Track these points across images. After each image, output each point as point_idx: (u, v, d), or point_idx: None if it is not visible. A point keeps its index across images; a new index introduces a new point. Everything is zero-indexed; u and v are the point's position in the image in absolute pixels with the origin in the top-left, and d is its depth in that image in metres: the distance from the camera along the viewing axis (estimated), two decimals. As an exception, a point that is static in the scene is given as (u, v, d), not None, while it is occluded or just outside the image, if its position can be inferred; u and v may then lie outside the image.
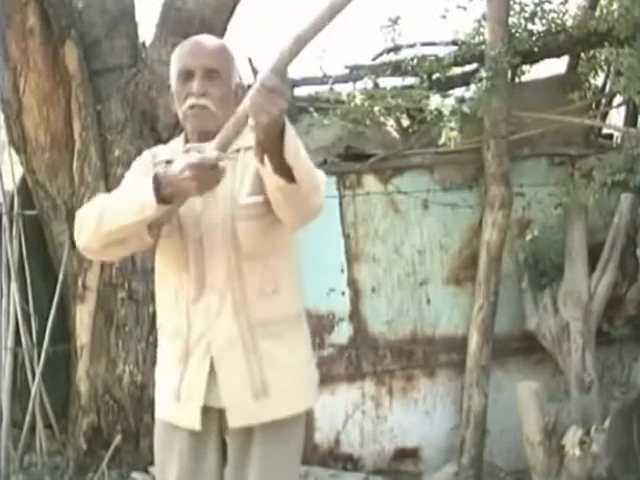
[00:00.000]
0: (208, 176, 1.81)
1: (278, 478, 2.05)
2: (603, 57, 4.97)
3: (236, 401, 1.98)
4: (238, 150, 2.04)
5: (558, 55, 4.97)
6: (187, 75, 2.03)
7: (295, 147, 1.76)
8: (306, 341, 2.17)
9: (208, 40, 2.12)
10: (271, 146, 1.73)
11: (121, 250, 2.05)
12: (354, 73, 4.76)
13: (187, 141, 2.13)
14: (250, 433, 2.02)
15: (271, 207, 1.94)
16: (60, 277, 4.11)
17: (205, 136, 2.03)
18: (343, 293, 4.33)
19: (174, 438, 2.07)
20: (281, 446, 2.05)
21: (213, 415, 2.02)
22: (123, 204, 1.92)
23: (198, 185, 1.81)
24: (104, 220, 1.93)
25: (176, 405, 2.04)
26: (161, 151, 2.19)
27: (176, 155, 2.08)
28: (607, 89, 5.02)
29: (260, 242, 2.01)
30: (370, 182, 4.42)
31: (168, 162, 2.08)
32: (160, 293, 2.14)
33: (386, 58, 4.87)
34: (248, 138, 2.04)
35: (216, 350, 2.00)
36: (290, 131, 1.73)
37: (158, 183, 1.84)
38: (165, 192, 1.83)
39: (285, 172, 1.77)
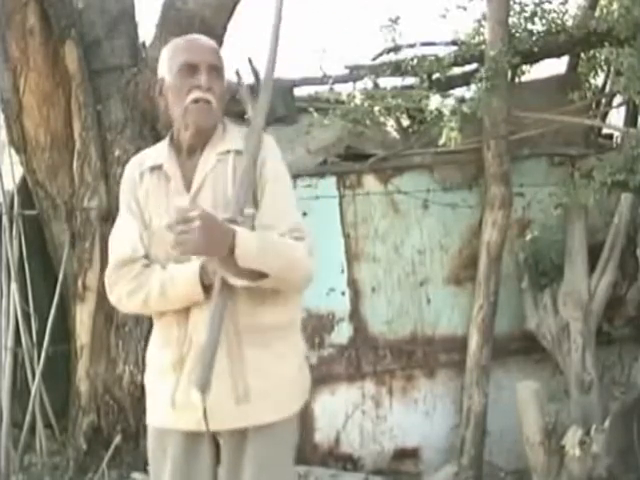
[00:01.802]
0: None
1: (272, 478, 2.05)
2: (603, 57, 4.98)
3: (217, 405, 1.96)
4: (228, 151, 2.06)
5: (558, 55, 4.97)
6: (190, 69, 2.03)
7: (251, 250, 1.89)
8: (297, 348, 2.15)
9: (204, 38, 2.14)
10: (226, 264, 1.88)
11: None
12: (354, 73, 4.76)
13: (172, 140, 2.12)
14: (243, 434, 2.02)
15: (261, 211, 2.01)
16: (60, 277, 4.11)
17: (199, 133, 2.05)
18: (343, 293, 4.33)
19: (168, 442, 2.06)
20: (274, 447, 2.05)
21: (206, 422, 2.00)
22: (171, 295, 1.98)
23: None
24: (151, 303, 2.02)
25: (171, 410, 2.03)
26: (146, 158, 2.16)
27: (161, 160, 2.09)
28: (607, 89, 5.02)
29: None
30: (370, 182, 4.42)
31: (153, 168, 2.10)
32: None
33: (386, 58, 4.87)
34: (237, 142, 2.08)
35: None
36: (242, 241, 1.86)
37: (201, 273, 1.93)
38: (207, 278, 1.93)
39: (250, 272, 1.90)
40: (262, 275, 1.92)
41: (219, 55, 2.10)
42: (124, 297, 2.04)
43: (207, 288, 1.95)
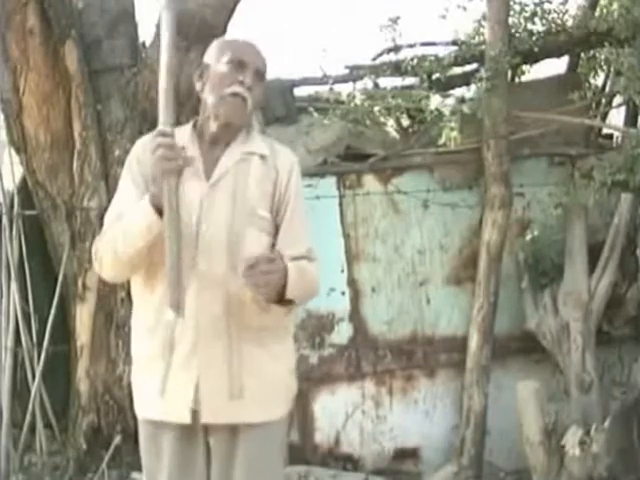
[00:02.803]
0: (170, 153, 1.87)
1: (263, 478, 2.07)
2: (603, 57, 4.97)
3: (212, 398, 1.99)
4: (252, 153, 2.09)
5: (558, 55, 4.97)
6: (240, 64, 2.05)
7: (295, 286, 1.97)
8: (290, 353, 2.18)
9: (259, 45, 2.17)
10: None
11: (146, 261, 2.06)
12: (354, 73, 4.76)
13: (195, 128, 2.13)
14: (234, 435, 2.03)
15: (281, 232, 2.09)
16: (60, 277, 4.11)
17: (227, 127, 2.07)
18: (343, 293, 4.33)
19: (161, 439, 2.06)
20: (264, 448, 2.06)
21: (198, 414, 2.02)
22: (131, 232, 1.96)
23: (168, 164, 1.87)
24: (119, 252, 1.99)
25: (161, 401, 2.03)
26: None
27: (182, 142, 2.06)
28: (607, 89, 5.02)
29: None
30: (370, 182, 4.43)
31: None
32: (139, 279, 2.11)
33: (386, 58, 4.87)
34: (261, 147, 2.12)
35: (201, 346, 1.99)
36: (290, 276, 1.94)
37: (152, 200, 1.91)
38: (158, 202, 1.89)
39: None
40: (289, 300, 2.00)
41: (266, 65, 2.13)
42: (101, 250, 2.06)
43: (155, 205, 1.92)
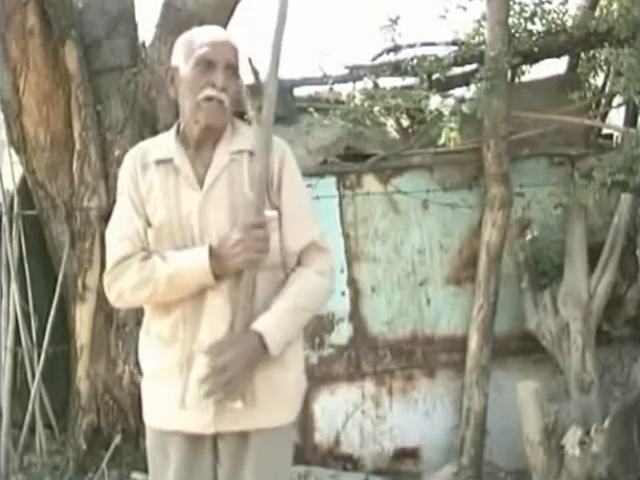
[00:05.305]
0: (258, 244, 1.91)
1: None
2: (603, 57, 4.97)
3: (225, 406, 1.97)
4: (241, 151, 2.05)
5: (558, 55, 4.97)
6: (208, 65, 1.99)
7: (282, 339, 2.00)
8: (299, 356, 2.16)
9: (225, 34, 2.09)
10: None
11: None
12: (354, 73, 4.76)
13: (178, 133, 2.09)
14: (245, 438, 2.03)
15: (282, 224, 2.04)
16: (60, 277, 4.11)
17: (209, 129, 2.02)
18: (343, 293, 4.33)
19: (169, 444, 2.05)
20: (274, 452, 2.06)
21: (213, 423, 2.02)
22: (177, 286, 1.97)
23: (250, 255, 1.91)
24: (157, 297, 2.00)
25: (179, 412, 2.01)
26: (149, 150, 2.11)
27: (169, 153, 2.05)
28: (607, 89, 5.02)
29: (271, 255, 2.01)
30: (370, 182, 4.42)
31: (160, 162, 2.04)
32: None
33: (386, 58, 4.87)
34: (250, 142, 2.07)
35: None
36: (270, 340, 1.95)
37: (213, 260, 1.92)
38: (220, 269, 1.93)
39: None
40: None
41: (237, 53, 2.06)
42: (127, 292, 2.01)
43: (217, 275, 1.94)
